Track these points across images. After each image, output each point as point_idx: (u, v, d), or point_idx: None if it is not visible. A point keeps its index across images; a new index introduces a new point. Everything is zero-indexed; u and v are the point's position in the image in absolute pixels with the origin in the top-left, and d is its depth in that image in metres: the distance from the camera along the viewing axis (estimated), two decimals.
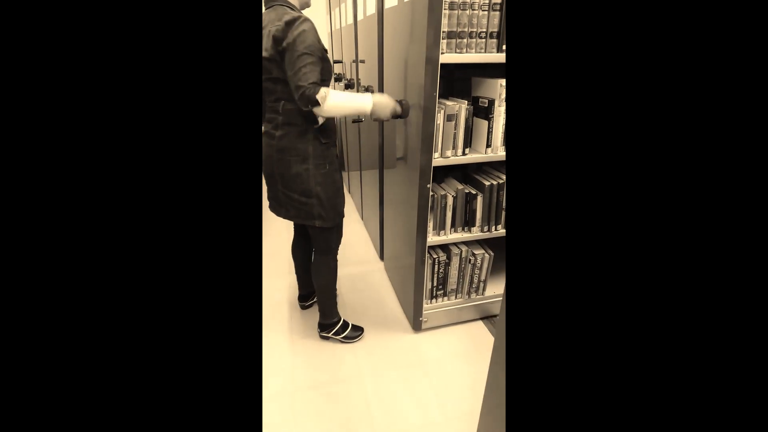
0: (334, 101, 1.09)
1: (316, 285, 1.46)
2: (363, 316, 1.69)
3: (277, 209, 1.34)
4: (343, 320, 1.55)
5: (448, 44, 1.13)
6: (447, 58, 1.12)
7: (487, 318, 1.67)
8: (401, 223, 1.60)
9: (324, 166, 1.23)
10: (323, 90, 1.06)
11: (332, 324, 1.52)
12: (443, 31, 1.10)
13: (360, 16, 1.94)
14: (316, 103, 1.07)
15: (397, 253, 1.73)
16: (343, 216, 1.37)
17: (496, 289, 1.64)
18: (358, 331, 1.56)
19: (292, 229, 1.58)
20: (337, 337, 1.53)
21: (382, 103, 1.16)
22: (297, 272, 1.66)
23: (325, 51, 1.14)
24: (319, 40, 1.09)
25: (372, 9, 1.63)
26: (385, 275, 2.00)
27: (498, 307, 1.66)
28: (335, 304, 1.52)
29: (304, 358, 1.47)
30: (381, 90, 1.69)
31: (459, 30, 1.12)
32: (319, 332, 1.54)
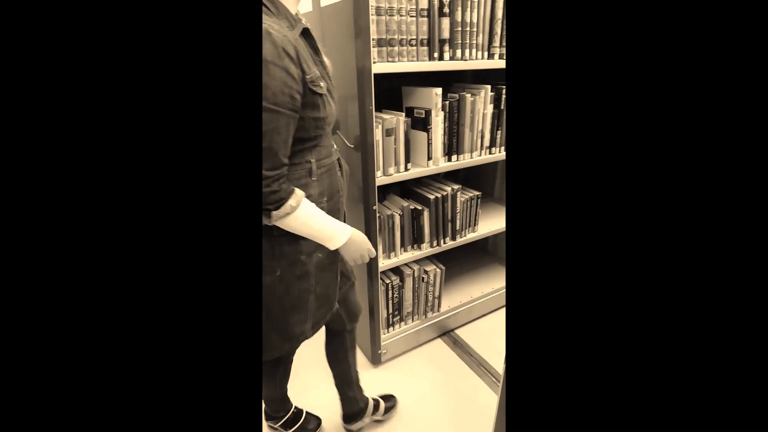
0: (305, 215, 0.71)
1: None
2: (315, 366, 1.47)
3: None
4: (294, 410, 1.18)
5: (379, 53, 1.03)
6: (381, 67, 1.02)
7: (445, 334, 1.60)
8: None
9: (273, 269, 0.76)
10: (298, 193, 0.70)
11: (278, 417, 1.15)
12: (373, 38, 0.99)
13: None
14: (283, 212, 0.67)
15: None
16: (303, 338, 0.88)
17: (451, 302, 1.59)
18: (312, 423, 1.19)
19: None
20: None
21: (358, 241, 0.82)
22: None
23: (309, 83, 0.67)
24: (289, 72, 0.63)
25: None
26: None
27: (455, 321, 1.60)
28: (286, 400, 1.15)
29: None
30: None
31: (389, 37, 1.03)
32: (264, 419, 1.19)
